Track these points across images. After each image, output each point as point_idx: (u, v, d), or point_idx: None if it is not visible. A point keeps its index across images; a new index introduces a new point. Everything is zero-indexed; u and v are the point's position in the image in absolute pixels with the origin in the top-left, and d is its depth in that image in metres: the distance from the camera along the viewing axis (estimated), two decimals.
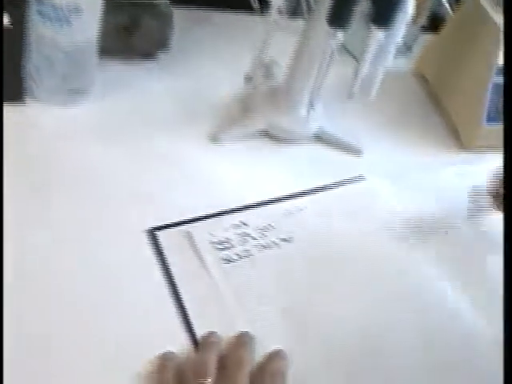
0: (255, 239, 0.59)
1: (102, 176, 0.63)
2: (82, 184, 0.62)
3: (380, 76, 0.66)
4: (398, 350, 0.54)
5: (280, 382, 0.49)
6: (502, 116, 0.74)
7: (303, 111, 0.70)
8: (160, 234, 0.58)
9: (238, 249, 0.58)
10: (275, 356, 0.51)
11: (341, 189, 0.68)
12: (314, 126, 0.71)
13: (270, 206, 0.63)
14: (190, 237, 0.58)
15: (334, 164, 0.71)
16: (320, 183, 0.67)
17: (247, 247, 0.58)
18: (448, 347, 0.55)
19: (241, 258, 0.57)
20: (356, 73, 0.64)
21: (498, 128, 0.74)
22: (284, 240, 0.60)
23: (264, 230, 0.60)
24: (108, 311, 0.52)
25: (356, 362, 0.53)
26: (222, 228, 0.59)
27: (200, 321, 0.52)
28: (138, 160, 0.66)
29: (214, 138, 0.70)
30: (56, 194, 0.60)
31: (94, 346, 0.49)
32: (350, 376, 0.52)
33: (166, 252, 0.56)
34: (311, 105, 0.68)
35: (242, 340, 0.52)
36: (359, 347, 0.54)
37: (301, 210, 0.64)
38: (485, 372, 0.54)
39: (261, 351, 0.51)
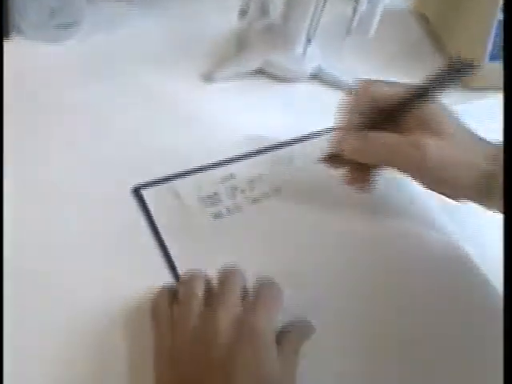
0: (244, 192, 0.58)
1: (88, 115, 0.62)
2: (68, 121, 0.61)
3: (379, 13, 0.64)
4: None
5: (277, 300, 0.49)
6: None
7: (300, 48, 0.67)
8: (146, 192, 0.56)
9: (227, 203, 0.57)
10: (265, 284, 0.51)
11: None
12: (311, 65, 0.69)
13: (261, 155, 0.61)
14: (176, 193, 0.57)
15: (330, 105, 0.69)
16: (316, 125, 0.65)
17: (236, 201, 0.57)
18: None
19: (230, 212, 0.56)
20: (354, 9, 0.61)
21: (500, 66, 0.72)
22: (275, 191, 0.59)
23: (253, 181, 0.59)
24: (98, 264, 0.52)
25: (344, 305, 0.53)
26: (210, 181, 0.58)
27: None
28: (127, 98, 0.64)
29: (207, 77, 0.68)
30: (41, 131, 0.59)
31: (85, 287, 0.50)
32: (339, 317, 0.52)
33: (153, 210, 0.55)
34: (308, 41, 0.66)
35: (228, 273, 0.51)
36: (347, 291, 0.54)
37: (292, 158, 0.62)
38: None
39: None
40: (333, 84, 0.70)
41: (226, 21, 0.71)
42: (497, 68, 0.72)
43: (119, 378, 0.47)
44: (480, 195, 0.52)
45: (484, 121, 0.69)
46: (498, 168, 0.50)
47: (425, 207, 0.61)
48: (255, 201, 0.57)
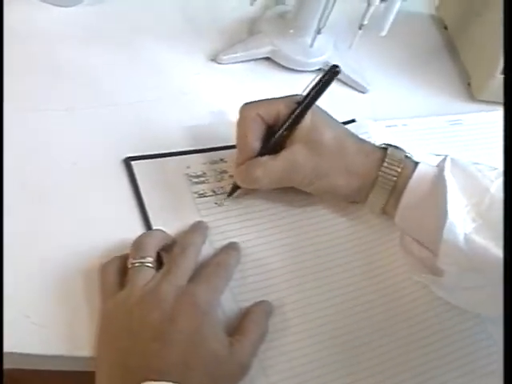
0: (232, 177, 0.57)
1: (89, 82, 0.62)
2: (67, 86, 0.61)
3: (394, 12, 0.63)
4: None
5: (223, 272, 0.50)
6: None
7: (309, 39, 0.67)
8: (136, 164, 0.56)
9: (214, 185, 0.57)
10: (226, 248, 0.52)
11: None
12: (319, 58, 0.69)
13: None
14: (165, 168, 0.57)
15: (334, 98, 0.68)
16: None
17: (223, 184, 0.57)
18: None
19: (216, 194, 0.56)
20: (367, 5, 0.60)
21: None
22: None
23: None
24: (79, 223, 0.53)
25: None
26: (200, 162, 0.58)
27: None
28: (130, 70, 0.64)
29: (215, 58, 0.67)
30: (40, 93, 0.60)
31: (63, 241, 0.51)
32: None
33: (140, 181, 0.55)
34: (317, 33, 0.65)
35: (195, 227, 0.52)
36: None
37: None
38: None
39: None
40: (339, 79, 0.69)
41: (241, 4, 0.70)
42: None
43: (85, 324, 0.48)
44: (362, 197, 0.55)
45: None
46: (376, 171, 0.53)
47: None
48: (224, 197, 0.57)
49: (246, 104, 0.54)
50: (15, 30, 0.62)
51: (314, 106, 0.53)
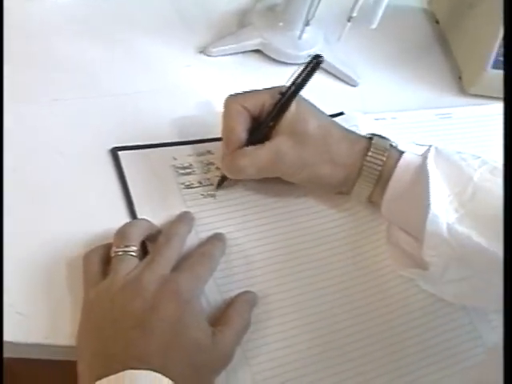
0: (219, 169, 0.57)
1: (80, 71, 0.62)
2: (59, 76, 0.61)
3: (384, 4, 0.63)
4: None
5: (207, 262, 0.50)
6: None
7: (298, 32, 0.67)
8: (122, 154, 0.56)
9: (200, 176, 0.57)
10: (211, 238, 0.53)
11: None
12: (308, 50, 0.68)
13: None
14: (151, 159, 0.57)
15: (323, 90, 0.68)
16: None
17: (209, 176, 0.57)
18: None
19: (202, 185, 0.56)
20: None
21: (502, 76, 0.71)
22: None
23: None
24: (64, 210, 0.53)
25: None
26: (186, 154, 0.58)
27: None
28: (119, 62, 0.64)
29: (204, 50, 0.67)
30: (32, 85, 0.60)
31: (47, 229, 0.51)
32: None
33: (126, 171, 0.55)
34: (306, 25, 0.65)
35: (180, 217, 0.53)
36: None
37: None
38: None
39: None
40: (328, 71, 0.69)
41: None
42: (498, 76, 0.71)
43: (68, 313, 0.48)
44: (348, 187, 0.55)
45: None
46: (361, 160, 0.53)
47: None
48: (229, 178, 0.57)
49: (231, 96, 0.54)
50: (8, 21, 0.62)
51: (298, 96, 0.53)
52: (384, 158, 0.53)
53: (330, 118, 0.56)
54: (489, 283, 0.50)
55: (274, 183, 0.57)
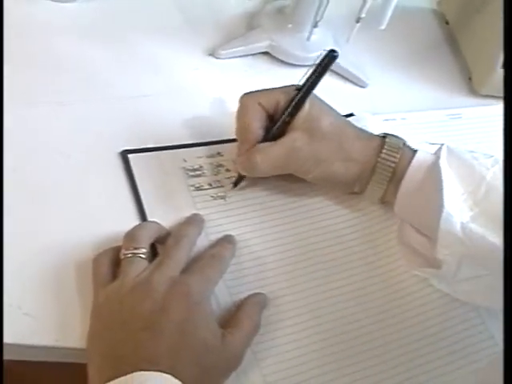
0: (229, 171, 0.57)
1: (88, 74, 0.62)
2: (68, 78, 0.61)
3: (392, 6, 0.62)
4: None
5: (217, 264, 0.50)
6: None
7: (307, 34, 0.67)
8: (132, 157, 0.56)
9: (210, 178, 0.57)
10: (222, 240, 0.52)
11: None
12: (318, 52, 0.68)
13: None
14: (161, 161, 0.57)
15: (332, 92, 0.68)
16: None
17: (219, 178, 0.57)
18: None
19: (212, 187, 0.56)
20: None
21: None
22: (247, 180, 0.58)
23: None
24: (75, 214, 0.53)
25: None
26: (196, 156, 0.58)
27: None
28: (127, 64, 0.64)
29: (213, 52, 0.67)
30: (38, 87, 0.60)
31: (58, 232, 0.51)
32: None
33: (136, 174, 0.55)
34: (314, 26, 0.65)
35: (190, 219, 0.53)
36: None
37: None
38: None
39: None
40: (337, 73, 0.69)
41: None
42: None
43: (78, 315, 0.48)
44: (361, 186, 0.55)
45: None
46: (375, 158, 0.53)
47: None
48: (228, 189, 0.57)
49: (246, 94, 0.54)
50: (12, 24, 0.62)
51: (312, 95, 0.53)
52: (398, 156, 0.53)
53: (343, 116, 0.56)
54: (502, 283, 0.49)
55: (284, 185, 0.57)
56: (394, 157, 0.53)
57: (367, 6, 0.61)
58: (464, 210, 0.50)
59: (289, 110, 0.53)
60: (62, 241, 0.51)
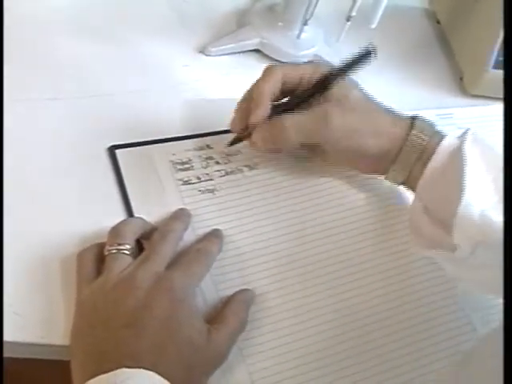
0: (218, 163, 0.57)
1: (78, 70, 0.62)
2: (58, 74, 0.61)
3: (383, 4, 0.62)
4: None
5: (203, 258, 0.49)
6: None
7: (297, 32, 0.67)
8: (120, 152, 0.56)
9: (199, 171, 0.56)
10: (208, 235, 0.52)
11: None
12: (308, 51, 0.68)
13: None
14: (149, 155, 0.56)
15: None
16: None
17: (208, 171, 0.56)
18: None
19: (200, 181, 0.56)
20: None
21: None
22: (250, 167, 0.58)
23: (230, 155, 0.58)
24: (61, 208, 0.52)
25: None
26: (185, 149, 0.57)
27: None
28: (118, 61, 0.64)
29: (203, 49, 0.67)
30: (31, 82, 0.59)
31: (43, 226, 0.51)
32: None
33: (124, 170, 0.55)
34: (304, 23, 0.65)
35: (176, 214, 0.52)
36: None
37: None
38: None
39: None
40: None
41: None
42: (499, 76, 0.70)
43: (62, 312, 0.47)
44: (386, 164, 0.55)
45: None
46: (405, 135, 0.53)
47: None
48: (228, 173, 0.57)
49: (271, 65, 0.54)
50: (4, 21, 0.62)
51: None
52: (427, 138, 0.53)
53: (371, 95, 0.56)
54: None
55: (272, 180, 0.57)
56: (423, 138, 0.53)
57: (357, 4, 0.61)
58: (485, 197, 0.49)
59: (308, 92, 0.53)
60: (47, 236, 0.50)
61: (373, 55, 0.53)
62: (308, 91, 0.53)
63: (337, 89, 0.53)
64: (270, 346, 0.48)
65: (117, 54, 0.64)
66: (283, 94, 0.54)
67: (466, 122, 0.70)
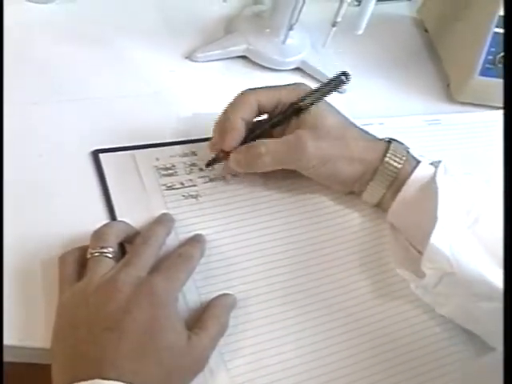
0: (202, 170, 0.57)
1: (63, 74, 0.62)
2: (41, 79, 0.61)
3: (369, 10, 0.62)
4: None
5: (185, 263, 0.48)
6: (497, 71, 0.71)
7: (284, 38, 0.67)
8: (103, 156, 0.56)
9: (183, 177, 0.56)
10: (191, 240, 0.52)
11: None
12: (294, 57, 0.69)
13: None
14: (133, 160, 0.56)
15: None
16: None
17: (192, 177, 0.56)
18: None
19: (184, 186, 0.55)
20: (341, 0, 0.60)
21: (490, 83, 0.70)
22: (231, 174, 0.57)
23: (214, 162, 0.57)
24: (43, 211, 0.52)
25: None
26: (169, 155, 0.57)
27: None
28: (103, 65, 0.64)
29: (190, 55, 0.67)
30: (15, 83, 0.60)
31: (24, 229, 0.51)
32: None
33: (108, 174, 0.55)
34: (290, 28, 0.65)
35: (159, 219, 0.52)
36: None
37: None
38: None
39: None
40: (314, 78, 0.69)
41: (218, 3, 0.70)
42: (485, 83, 0.71)
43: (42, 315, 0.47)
44: (360, 187, 0.56)
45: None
46: (379, 160, 0.54)
47: None
48: (211, 180, 0.57)
49: (248, 89, 0.55)
50: None
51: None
52: (402, 162, 0.54)
53: (346, 116, 0.57)
54: (478, 309, 0.49)
55: (256, 185, 0.57)
56: (398, 162, 0.54)
57: (343, 10, 0.61)
58: (456, 231, 0.50)
59: (275, 120, 0.54)
60: (29, 239, 0.50)
61: (347, 80, 0.54)
62: (283, 114, 0.54)
63: (312, 115, 0.53)
64: (251, 350, 0.48)
65: (103, 58, 0.65)
66: (262, 114, 0.55)
67: (454, 128, 0.70)
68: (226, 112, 0.54)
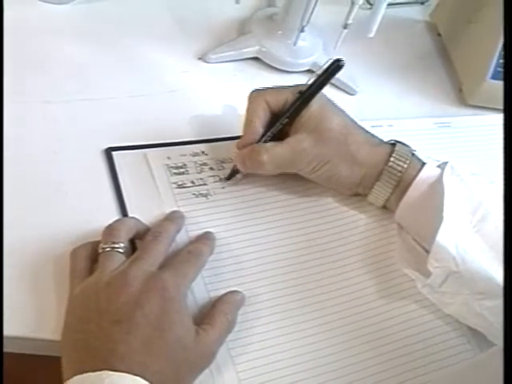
0: (212, 169, 0.58)
1: (78, 74, 0.63)
2: (58, 78, 0.62)
3: (381, 13, 0.63)
4: None
5: (195, 260, 0.49)
6: None
7: (295, 40, 0.67)
8: (116, 154, 0.57)
9: (193, 176, 0.57)
10: (200, 237, 0.52)
11: None
12: (308, 59, 0.69)
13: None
14: (145, 158, 0.57)
15: None
16: None
17: (202, 176, 0.57)
18: None
19: (194, 185, 0.56)
20: (352, 1, 0.61)
21: (502, 86, 0.70)
22: (243, 175, 0.58)
23: (225, 162, 0.58)
24: (57, 208, 0.53)
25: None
26: (180, 154, 0.58)
27: None
28: (117, 66, 0.65)
29: (203, 56, 0.68)
30: (30, 84, 0.60)
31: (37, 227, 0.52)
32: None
33: (120, 171, 0.56)
34: (301, 30, 0.65)
35: (170, 216, 0.53)
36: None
37: None
38: None
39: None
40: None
41: (231, 5, 0.71)
42: (497, 87, 0.71)
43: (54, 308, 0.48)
44: (365, 190, 0.56)
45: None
46: (383, 163, 0.54)
47: None
48: (222, 179, 0.57)
49: (255, 90, 0.55)
50: (4, 25, 0.63)
51: (321, 95, 0.54)
52: (405, 166, 0.54)
53: (352, 119, 0.57)
54: (483, 307, 0.50)
55: (266, 184, 0.57)
56: (402, 166, 0.54)
57: (354, 12, 0.62)
58: (461, 230, 0.50)
59: (288, 112, 0.54)
60: (43, 233, 0.51)
61: (342, 66, 0.54)
62: (287, 112, 0.54)
63: (312, 117, 0.54)
64: (258, 346, 0.48)
65: (117, 58, 0.65)
66: (272, 116, 0.55)
67: (465, 131, 0.70)
68: (245, 120, 0.55)
